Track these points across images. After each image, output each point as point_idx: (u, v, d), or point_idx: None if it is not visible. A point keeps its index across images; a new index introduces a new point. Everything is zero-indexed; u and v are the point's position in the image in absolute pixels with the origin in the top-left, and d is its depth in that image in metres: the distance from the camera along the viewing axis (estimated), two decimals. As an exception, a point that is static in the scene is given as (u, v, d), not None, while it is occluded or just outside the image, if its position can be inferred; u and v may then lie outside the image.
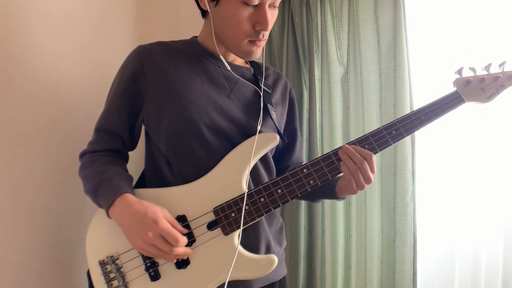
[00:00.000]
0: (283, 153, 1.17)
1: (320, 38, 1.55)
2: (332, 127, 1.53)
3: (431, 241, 1.52)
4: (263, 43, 0.96)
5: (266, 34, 0.94)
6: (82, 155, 1.00)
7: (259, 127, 0.96)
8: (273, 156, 1.09)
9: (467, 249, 1.48)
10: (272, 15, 0.91)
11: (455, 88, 1.05)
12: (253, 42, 0.93)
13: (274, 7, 0.92)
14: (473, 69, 1.06)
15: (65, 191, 1.14)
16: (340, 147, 0.96)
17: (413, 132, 0.99)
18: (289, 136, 1.16)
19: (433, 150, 1.53)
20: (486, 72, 1.06)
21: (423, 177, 1.51)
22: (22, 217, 1.03)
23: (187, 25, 1.72)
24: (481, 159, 1.47)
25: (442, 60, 1.49)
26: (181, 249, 0.86)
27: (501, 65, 1.06)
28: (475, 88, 1.04)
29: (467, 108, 1.47)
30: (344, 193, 1.02)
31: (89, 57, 1.25)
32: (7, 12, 0.98)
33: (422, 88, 1.50)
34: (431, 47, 1.51)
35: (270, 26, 0.91)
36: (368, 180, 0.93)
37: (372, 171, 0.93)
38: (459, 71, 1.06)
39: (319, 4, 1.54)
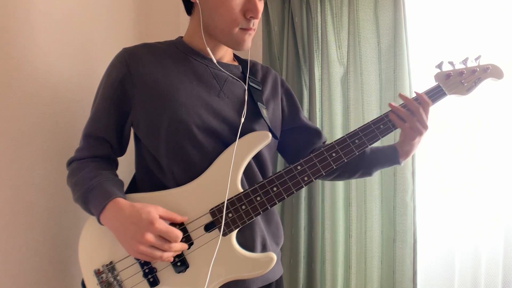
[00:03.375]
0: (312, 143, 1.16)
1: (320, 38, 1.55)
2: (332, 127, 1.53)
3: (431, 241, 1.52)
4: (253, 32, 0.96)
5: (256, 23, 0.95)
6: (70, 163, 0.99)
7: (242, 119, 0.95)
8: (294, 150, 1.14)
9: (467, 249, 1.48)
10: (260, 6, 0.93)
11: (437, 82, 1.09)
12: (244, 30, 0.94)
13: None
14: (451, 63, 1.10)
15: (65, 191, 1.14)
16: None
17: None
18: (300, 127, 1.15)
19: (433, 150, 1.53)
20: (464, 66, 1.10)
21: (423, 177, 1.52)
22: (22, 217, 1.03)
23: (187, 25, 1.72)
24: (481, 159, 1.47)
25: (442, 60, 1.48)
26: (179, 245, 0.85)
27: (477, 58, 1.10)
28: (455, 82, 1.08)
29: (467, 109, 1.48)
30: (408, 148, 1.06)
31: (89, 57, 1.25)
32: (7, 12, 0.98)
33: (422, 88, 1.49)
34: (431, 47, 1.51)
35: (259, 15, 0.93)
36: (425, 125, 1.01)
37: (422, 122, 1.00)
38: (439, 65, 1.11)
39: (319, 4, 1.54)
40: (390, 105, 1.03)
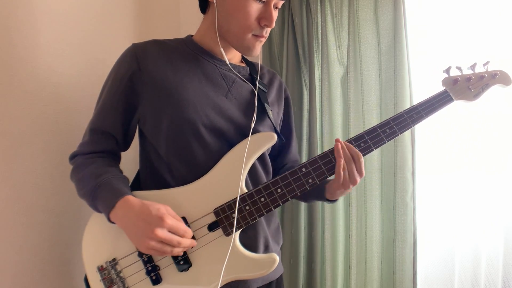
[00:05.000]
0: (280, 152, 1.18)
1: (320, 38, 1.55)
2: (332, 127, 1.53)
3: (431, 241, 1.52)
4: (264, 40, 0.98)
5: (268, 31, 0.97)
6: (73, 157, 0.98)
7: (252, 125, 0.96)
8: (269, 155, 1.09)
9: (467, 249, 1.48)
10: (274, 15, 0.95)
11: (444, 87, 1.08)
12: (256, 36, 0.95)
13: (276, 7, 0.96)
14: (459, 68, 1.10)
15: (65, 191, 1.14)
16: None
17: (406, 130, 1.03)
18: (286, 135, 1.16)
19: (433, 150, 1.53)
20: (471, 72, 1.10)
21: (423, 177, 1.52)
22: (22, 217, 1.03)
23: (187, 24, 1.72)
24: (481, 159, 1.47)
25: (442, 60, 1.49)
26: (188, 241, 0.85)
27: (485, 64, 1.10)
28: (462, 87, 1.08)
29: (467, 109, 1.48)
30: (333, 193, 1.01)
31: (89, 57, 1.25)
32: (8, 12, 0.98)
33: (422, 88, 1.50)
34: (431, 47, 1.51)
35: (273, 24, 0.94)
36: (354, 181, 0.95)
37: (359, 172, 0.95)
38: (447, 71, 1.10)
39: (319, 4, 1.54)
40: (337, 141, 0.97)
